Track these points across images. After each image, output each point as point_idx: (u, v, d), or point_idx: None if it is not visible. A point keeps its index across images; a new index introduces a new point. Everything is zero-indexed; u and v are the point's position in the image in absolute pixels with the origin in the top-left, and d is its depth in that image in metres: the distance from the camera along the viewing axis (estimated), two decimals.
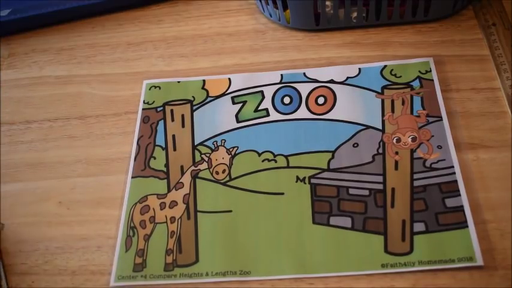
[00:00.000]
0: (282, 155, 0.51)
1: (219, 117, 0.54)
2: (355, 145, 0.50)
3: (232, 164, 0.51)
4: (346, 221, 0.46)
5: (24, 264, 0.47)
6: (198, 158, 0.52)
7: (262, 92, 0.55)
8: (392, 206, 0.46)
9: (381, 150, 0.50)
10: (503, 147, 0.48)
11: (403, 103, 0.52)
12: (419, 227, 0.45)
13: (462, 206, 0.45)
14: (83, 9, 0.65)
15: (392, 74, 0.54)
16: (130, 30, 0.64)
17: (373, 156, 0.49)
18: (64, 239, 0.48)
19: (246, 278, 0.44)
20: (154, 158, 0.52)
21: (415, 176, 0.47)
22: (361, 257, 0.44)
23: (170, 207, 0.49)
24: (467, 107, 0.51)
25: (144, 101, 0.57)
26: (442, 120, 0.50)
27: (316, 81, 0.55)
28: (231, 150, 0.52)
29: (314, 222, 0.46)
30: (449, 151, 0.48)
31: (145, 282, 0.45)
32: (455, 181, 0.47)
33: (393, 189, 0.47)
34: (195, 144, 0.53)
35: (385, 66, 0.55)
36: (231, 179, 0.50)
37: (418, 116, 0.51)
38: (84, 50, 0.63)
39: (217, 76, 0.57)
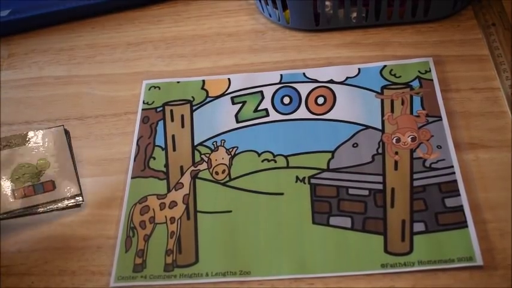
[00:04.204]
0: (281, 155, 0.51)
1: (218, 117, 0.54)
2: (355, 145, 0.50)
3: (232, 164, 0.51)
4: (346, 221, 0.46)
5: (23, 265, 0.47)
6: (197, 158, 0.52)
7: (261, 92, 0.55)
8: (392, 206, 0.46)
9: (380, 150, 0.50)
10: (503, 147, 0.48)
11: (402, 103, 0.52)
12: (419, 227, 0.45)
13: (462, 206, 0.45)
14: (83, 9, 0.65)
15: (391, 74, 0.54)
16: (130, 31, 0.64)
17: (373, 156, 0.49)
18: (64, 239, 0.48)
19: (245, 278, 0.44)
20: (154, 159, 0.52)
21: (415, 176, 0.47)
22: (361, 257, 0.44)
23: (170, 208, 0.49)
24: (467, 107, 0.51)
25: (143, 101, 0.57)
26: (441, 120, 0.50)
27: (315, 81, 0.55)
28: (230, 150, 0.52)
29: (314, 222, 0.46)
30: (449, 151, 0.48)
31: (145, 283, 0.45)
32: (455, 181, 0.47)
33: (393, 189, 0.47)
34: (195, 144, 0.53)
35: (385, 66, 0.55)
36: (230, 179, 0.50)
37: (418, 116, 0.51)
38: (84, 50, 0.63)
39: (216, 76, 0.58)
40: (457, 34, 0.57)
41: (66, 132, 0.52)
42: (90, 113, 0.57)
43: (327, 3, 0.57)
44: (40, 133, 0.52)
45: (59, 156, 0.51)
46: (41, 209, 0.48)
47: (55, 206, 0.49)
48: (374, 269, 0.43)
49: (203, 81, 0.57)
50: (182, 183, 0.50)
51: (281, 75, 0.56)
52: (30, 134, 0.52)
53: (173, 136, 0.54)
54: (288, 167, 0.50)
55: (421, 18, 0.58)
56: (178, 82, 0.58)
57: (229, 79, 0.57)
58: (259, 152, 0.51)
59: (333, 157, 0.50)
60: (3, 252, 0.48)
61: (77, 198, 0.49)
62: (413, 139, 0.50)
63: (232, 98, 0.55)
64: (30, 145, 0.51)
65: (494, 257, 0.42)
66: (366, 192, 0.47)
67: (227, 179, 0.50)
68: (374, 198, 0.47)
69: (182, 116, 0.55)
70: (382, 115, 0.52)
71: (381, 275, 0.43)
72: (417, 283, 0.42)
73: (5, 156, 0.50)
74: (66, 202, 0.49)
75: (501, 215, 0.45)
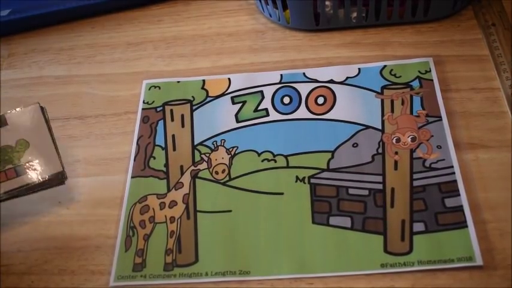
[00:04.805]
0: (281, 155, 0.51)
1: (218, 117, 0.54)
2: (355, 145, 0.50)
3: (231, 164, 0.51)
4: (346, 221, 0.46)
5: (23, 264, 0.47)
6: (197, 158, 0.52)
7: (261, 92, 0.55)
8: (392, 206, 0.46)
9: (380, 150, 0.50)
10: (503, 147, 0.48)
11: (402, 103, 0.52)
12: (418, 227, 0.45)
13: (462, 206, 0.45)
14: (83, 9, 0.65)
15: (391, 74, 0.54)
16: (130, 31, 0.64)
17: (373, 156, 0.49)
18: (64, 239, 0.48)
19: (245, 278, 0.44)
20: (154, 158, 0.52)
21: (415, 176, 0.47)
22: (361, 256, 0.44)
23: (170, 207, 0.49)
24: (467, 107, 0.51)
25: (143, 101, 0.57)
26: (441, 120, 0.50)
27: (315, 81, 0.55)
28: (230, 150, 0.52)
29: (314, 222, 0.46)
30: (449, 151, 0.48)
31: (145, 282, 0.45)
32: (455, 181, 0.47)
33: (393, 189, 0.47)
34: (195, 144, 0.53)
35: (385, 66, 0.55)
36: (230, 179, 0.50)
37: (418, 116, 0.51)
38: (84, 50, 0.63)
39: (216, 76, 0.58)
40: (457, 34, 0.57)
41: (42, 109, 0.51)
42: (90, 113, 0.57)
43: (327, 3, 0.57)
44: (16, 114, 0.51)
45: (37, 135, 0.50)
46: (25, 191, 0.48)
47: (39, 186, 0.48)
48: (374, 268, 0.43)
49: (203, 81, 0.57)
50: (182, 183, 0.50)
51: (281, 75, 0.56)
52: (6, 116, 0.51)
53: (173, 136, 0.54)
54: (287, 166, 0.50)
55: (421, 18, 0.58)
56: (178, 82, 0.58)
57: (229, 79, 0.57)
58: (259, 152, 0.51)
59: (332, 157, 0.50)
60: (3, 251, 0.48)
61: (59, 175, 0.49)
62: (413, 139, 0.50)
63: (232, 98, 0.55)
64: (6, 127, 0.50)
65: (494, 257, 0.42)
66: (366, 192, 0.47)
67: (227, 178, 0.50)
68: (374, 198, 0.47)
69: (182, 116, 0.55)
70: (382, 115, 0.52)
71: (381, 275, 0.43)
72: (417, 283, 0.42)
73: None
74: (49, 180, 0.48)
75: (501, 215, 0.45)
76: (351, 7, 0.57)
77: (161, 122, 0.55)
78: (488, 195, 0.46)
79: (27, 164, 0.48)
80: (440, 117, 0.51)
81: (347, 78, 0.55)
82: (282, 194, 0.48)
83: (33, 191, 0.48)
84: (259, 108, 0.54)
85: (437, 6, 0.56)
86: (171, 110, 0.55)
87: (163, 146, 0.53)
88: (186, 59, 0.60)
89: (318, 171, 0.49)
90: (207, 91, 0.56)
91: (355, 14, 0.58)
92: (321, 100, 0.54)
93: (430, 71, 0.54)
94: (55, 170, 0.48)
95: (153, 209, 0.49)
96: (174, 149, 0.53)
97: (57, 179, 0.49)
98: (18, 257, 0.48)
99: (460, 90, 0.53)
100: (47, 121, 0.51)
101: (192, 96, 0.56)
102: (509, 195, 0.45)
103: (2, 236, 0.49)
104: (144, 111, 0.56)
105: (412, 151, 0.49)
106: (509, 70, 0.52)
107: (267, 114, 0.54)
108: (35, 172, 0.48)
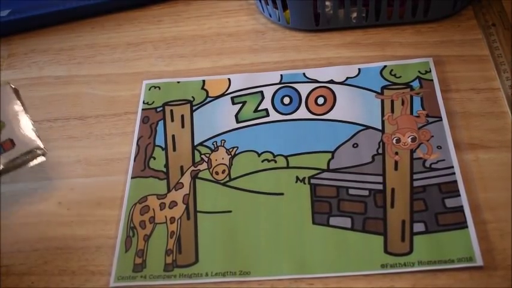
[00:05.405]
0: (281, 155, 0.51)
1: (218, 117, 0.54)
2: (355, 145, 0.50)
3: (232, 164, 0.51)
4: (346, 221, 0.46)
5: (23, 265, 0.47)
6: (197, 159, 0.52)
7: (262, 92, 0.55)
8: (392, 206, 0.46)
9: (380, 151, 0.50)
10: (503, 147, 0.48)
11: (402, 103, 0.52)
12: (419, 227, 0.45)
13: (462, 206, 0.45)
14: (83, 9, 0.65)
15: (392, 74, 0.54)
16: (130, 31, 0.64)
17: (373, 157, 0.49)
18: (64, 240, 0.48)
19: (245, 279, 0.44)
20: (154, 159, 0.52)
21: (415, 177, 0.47)
22: (361, 257, 0.44)
23: (170, 208, 0.49)
24: (467, 107, 0.51)
25: (143, 101, 0.57)
26: (441, 120, 0.50)
27: (315, 81, 0.55)
28: (230, 150, 0.52)
29: (314, 222, 0.46)
30: (449, 151, 0.48)
31: (145, 283, 0.45)
32: (455, 181, 0.47)
33: (393, 190, 0.47)
34: (195, 144, 0.53)
35: (385, 66, 0.55)
36: (230, 180, 0.50)
37: (418, 116, 0.51)
38: (83, 51, 0.63)
39: (217, 76, 0.58)
40: (457, 34, 0.57)
41: (14, 89, 0.52)
42: (90, 113, 0.57)
43: (327, 3, 0.57)
44: None
45: (12, 114, 0.50)
46: (6, 170, 0.48)
47: (17, 162, 0.48)
48: (374, 269, 0.43)
49: (203, 81, 0.57)
50: (182, 183, 0.50)
51: (281, 75, 0.56)
52: None
53: (173, 136, 0.54)
54: (288, 167, 0.50)
55: (421, 18, 0.58)
56: (178, 82, 0.58)
57: (229, 79, 0.57)
58: (259, 152, 0.51)
59: (333, 157, 0.50)
60: (3, 252, 0.48)
61: (37, 150, 0.49)
62: (414, 139, 0.50)
63: (232, 98, 0.55)
64: None
65: (494, 258, 0.42)
66: (366, 193, 0.47)
67: (227, 179, 0.50)
68: (374, 199, 0.47)
69: (182, 116, 0.55)
70: (382, 115, 0.52)
71: (381, 275, 0.43)
72: (417, 283, 0.42)
73: None
74: (27, 156, 0.48)
75: (501, 215, 0.45)
76: (351, 7, 0.57)
77: (161, 123, 0.55)
78: (489, 195, 0.46)
79: (4, 144, 0.48)
80: (441, 117, 0.51)
81: (347, 78, 0.55)
82: (282, 194, 0.48)
83: (14, 168, 0.48)
84: (259, 108, 0.54)
85: (437, 6, 0.56)
86: (171, 111, 0.55)
87: (163, 146, 0.53)
88: (186, 59, 0.60)
89: (318, 171, 0.49)
90: (207, 91, 0.56)
91: (355, 14, 0.58)
92: (321, 100, 0.54)
93: (430, 71, 0.54)
94: (33, 145, 0.49)
95: (153, 209, 0.49)
96: (174, 150, 0.53)
97: (36, 154, 0.49)
98: (19, 257, 0.48)
99: (460, 90, 0.53)
100: (20, 100, 0.51)
101: (192, 97, 0.56)
102: (509, 195, 0.45)
103: (2, 236, 0.49)
104: (144, 111, 0.56)
105: (412, 151, 0.49)
106: (509, 70, 0.52)
107: (267, 115, 0.54)
108: (13, 150, 0.48)
